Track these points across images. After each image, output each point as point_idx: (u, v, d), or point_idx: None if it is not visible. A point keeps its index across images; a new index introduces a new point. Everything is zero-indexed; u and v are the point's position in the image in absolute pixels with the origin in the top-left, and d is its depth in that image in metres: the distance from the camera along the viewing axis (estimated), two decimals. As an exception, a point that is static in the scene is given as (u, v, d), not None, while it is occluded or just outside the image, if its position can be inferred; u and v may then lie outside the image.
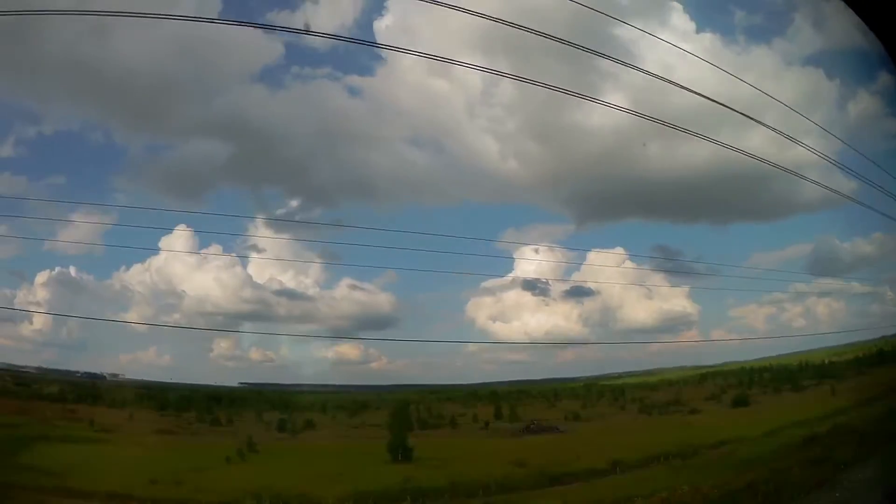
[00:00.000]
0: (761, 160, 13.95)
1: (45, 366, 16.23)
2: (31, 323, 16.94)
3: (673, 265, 19.63)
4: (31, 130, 18.12)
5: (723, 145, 13.79)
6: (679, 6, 18.01)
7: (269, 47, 18.72)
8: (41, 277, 17.01)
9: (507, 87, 18.14)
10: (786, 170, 14.56)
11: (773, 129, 13.49)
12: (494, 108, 19.38)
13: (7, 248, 16.98)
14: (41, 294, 17.32)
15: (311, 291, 17.74)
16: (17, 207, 16.84)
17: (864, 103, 15.61)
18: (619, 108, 14.21)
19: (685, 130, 13.33)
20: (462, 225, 19.43)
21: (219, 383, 16.61)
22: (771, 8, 19.72)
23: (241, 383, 16.23)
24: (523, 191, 20.73)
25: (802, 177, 15.35)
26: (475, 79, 18.35)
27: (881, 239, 17.07)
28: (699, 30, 18.54)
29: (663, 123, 13.21)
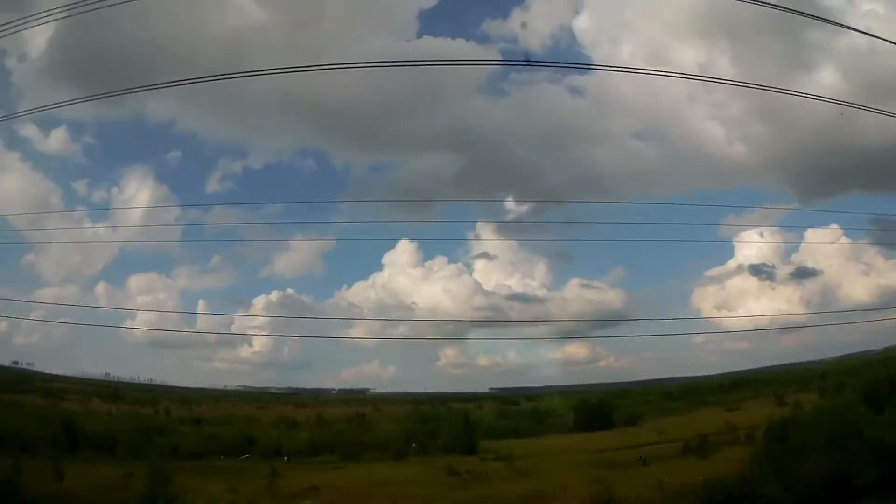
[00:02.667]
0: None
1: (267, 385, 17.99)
2: (252, 346, 18.71)
3: (890, 237, 17.97)
4: (245, 163, 19.97)
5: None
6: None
7: (486, 57, 19.34)
8: (259, 302, 18.78)
9: (727, 70, 17.55)
10: None
11: None
12: (716, 93, 18.78)
13: (228, 277, 18.96)
14: (260, 319, 19.07)
15: (542, 293, 18.10)
16: (240, 236, 18.74)
17: None
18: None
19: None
20: (689, 214, 19.08)
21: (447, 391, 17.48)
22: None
23: (492, 389, 16.97)
24: (750, 173, 20.11)
25: None
26: (694, 65, 17.83)
27: None
28: None
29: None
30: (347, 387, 18.37)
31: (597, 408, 16.56)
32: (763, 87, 12.43)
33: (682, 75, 15.18)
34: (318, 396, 19.93)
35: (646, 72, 12.50)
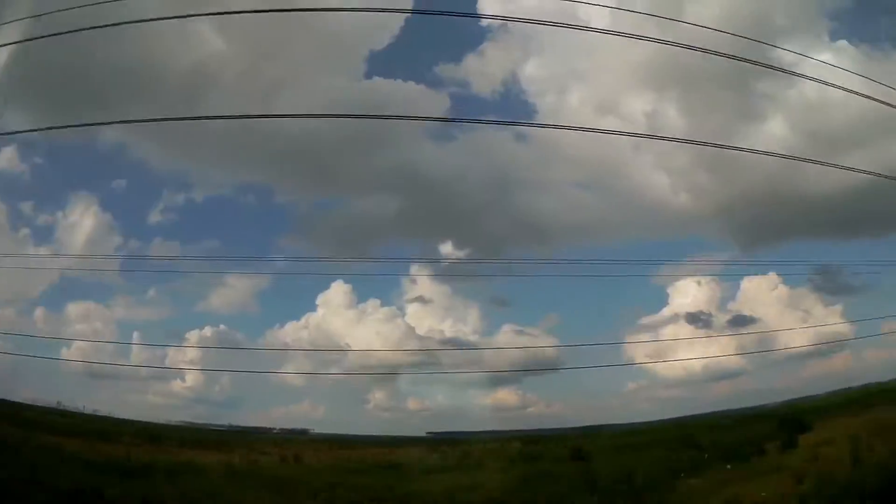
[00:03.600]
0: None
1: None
2: (184, 381, 18.08)
3: (830, 285, 18.51)
4: (188, 195, 19.65)
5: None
6: (826, 23, 17.68)
7: (436, 100, 19.50)
8: (193, 336, 18.28)
9: (675, 121, 18.09)
10: None
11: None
12: (662, 142, 19.30)
13: (164, 310, 18.50)
14: (192, 353, 18.49)
15: (475, 338, 18.08)
16: (173, 270, 18.48)
17: None
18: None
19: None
20: (627, 262, 19.31)
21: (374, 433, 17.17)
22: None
23: (430, 433, 16.63)
24: (693, 223, 20.45)
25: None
26: (641, 115, 18.35)
27: None
28: (850, 42, 18.01)
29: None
30: (283, 426, 17.91)
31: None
32: (706, 144, 12.94)
33: (626, 133, 15.65)
34: (260, 436, 19.43)
35: (594, 130, 12.82)
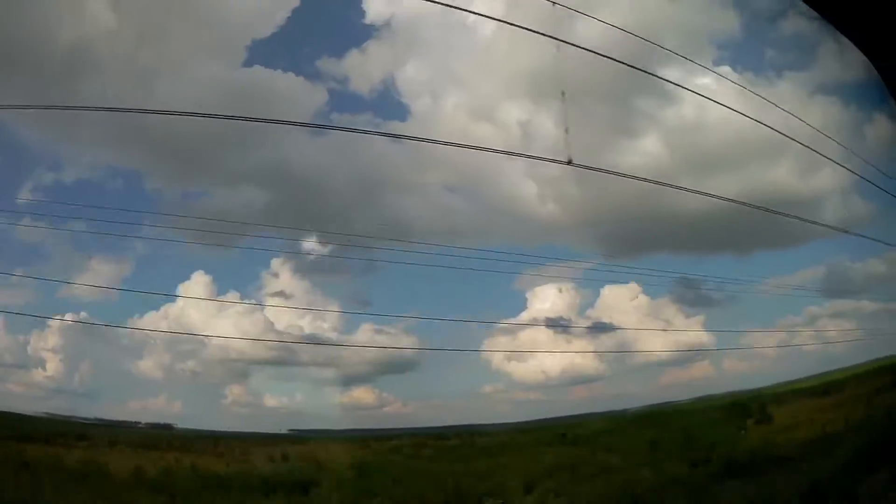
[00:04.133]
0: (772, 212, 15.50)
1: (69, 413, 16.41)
2: (45, 370, 17.22)
3: (691, 296, 19.52)
4: (58, 175, 18.71)
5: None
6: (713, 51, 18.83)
7: (315, 93, 19.30)
8: (54, 324, 17.41)
9: (551, 132, 18.52)
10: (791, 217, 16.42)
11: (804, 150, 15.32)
12: (535, 151, 19.72)
13: (22, 295, 17.52)
14: (53, 341, 17.63)
15: (335, 336, 17.95)
16: (36, 253, 17.66)
17: (874, 130, 16.40)
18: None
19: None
20: (489, 265, 19.71)
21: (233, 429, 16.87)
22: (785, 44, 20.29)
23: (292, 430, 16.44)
24: (559, 232, 20.96)
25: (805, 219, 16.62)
26: (516, 124, 18.77)
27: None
28: (729, 68, 19.28)
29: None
30: (143, 420, 17.19)
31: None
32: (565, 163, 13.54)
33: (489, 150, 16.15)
34: (128, 431, 18.62)
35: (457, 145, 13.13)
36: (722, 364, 19.33)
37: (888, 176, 15.53)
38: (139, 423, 18.34)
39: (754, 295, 20.53)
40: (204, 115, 11.70)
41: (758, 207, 15.71)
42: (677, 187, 15.52)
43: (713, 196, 15.47)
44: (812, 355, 19.63)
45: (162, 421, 17.67)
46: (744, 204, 16.01)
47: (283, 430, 16.57)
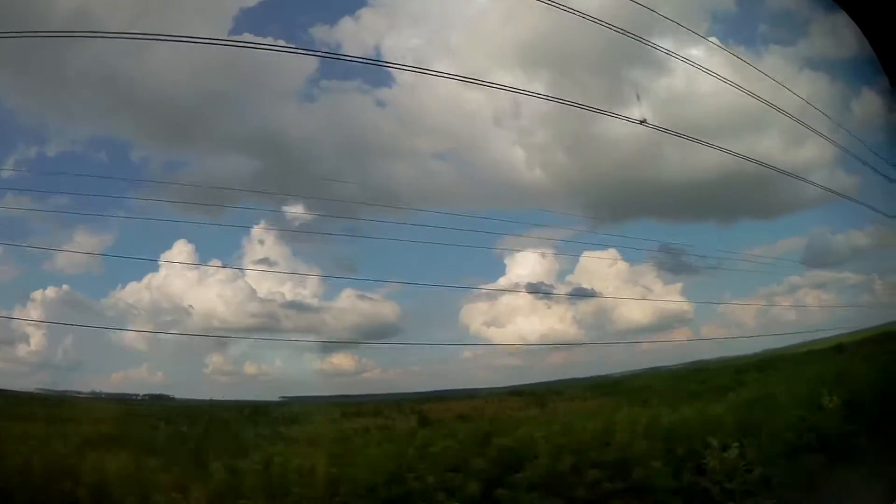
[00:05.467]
0: (764, 164, 16.08)
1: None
2: (29, 344, 17.15)
3: (673, 264, 19.75)
4: (44, 147, 18.42)
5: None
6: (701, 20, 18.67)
7: (301, 60, 18.86)
8: (36, 296, 17.30)
9: (540, 100, 18.37)
10: (785, 172, 16.70)
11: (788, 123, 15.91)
12: (525, 119, 19.60)
13: (7, 270, 17.39)
14: (35, 314, 17.54)
15: (317, 303, 18.05)
16: (21, 227, 17.49)
17: (862, 105, 16.64)
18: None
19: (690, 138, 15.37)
20: (472, 231, 19.74)
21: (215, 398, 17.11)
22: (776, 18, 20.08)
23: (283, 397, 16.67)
24: (545, 198, 20.99)
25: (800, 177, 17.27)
26: (507, 92, 18.52)
27: (877, 231, 17.53)
28: (719, 40, 19.14)
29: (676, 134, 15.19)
30: (125, 391, 17.32)
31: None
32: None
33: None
34: (125, 402, 18.76)
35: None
36: (700, 332, 19.76)
37: (876, 153, 15.79)
38: (137, 395, 18.42)
39: (736, 263, 20.77)
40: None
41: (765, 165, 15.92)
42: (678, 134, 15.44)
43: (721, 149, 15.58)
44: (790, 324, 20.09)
45: (156, 392, 17.89)
46: (756, 161, 15.96)
47: (275, 398, 16.95)
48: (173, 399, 17.25)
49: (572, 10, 13.81)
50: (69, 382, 16.57)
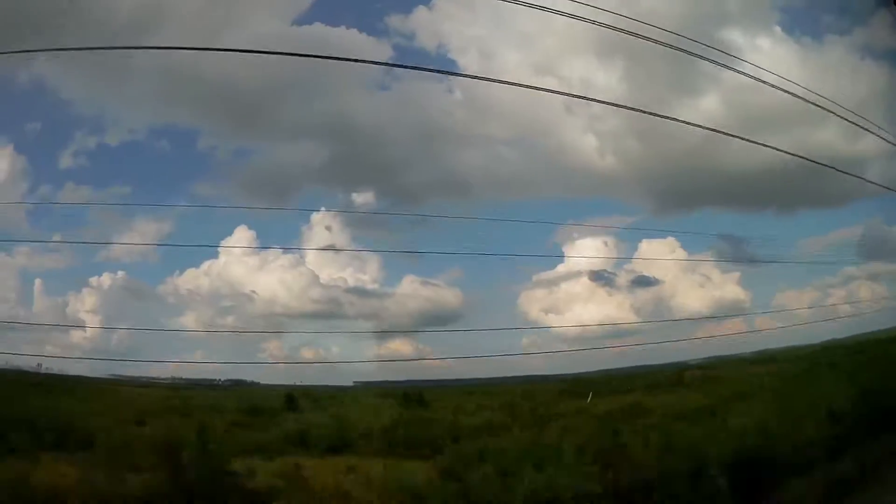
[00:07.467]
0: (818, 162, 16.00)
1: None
2: (85, 332, 17.63)
3: (733, 253, 19.72)
4: (101, 139, 19.11)
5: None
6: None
7: (377, 48, 19.77)
8: (94, 282, 17.96)
9: (613, 86, 18.64)
10: (837, 170, 16.52)
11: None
12: (594, 106, 19.71)
13: (67, 258, 18.14)
14: (91, 302, 17.60)
15: (378, 288, 18.72)
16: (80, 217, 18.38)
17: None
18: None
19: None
20: (538, 218, 20.05)
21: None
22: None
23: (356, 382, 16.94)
24: (614, 186, 21.25)
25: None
26: (580, 79, 18.83)
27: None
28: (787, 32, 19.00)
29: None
30: (187, 377, 17.63)
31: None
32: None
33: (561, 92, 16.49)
34: (211, 390, 19.31)
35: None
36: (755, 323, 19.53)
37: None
38: (217, 380, 18.87)
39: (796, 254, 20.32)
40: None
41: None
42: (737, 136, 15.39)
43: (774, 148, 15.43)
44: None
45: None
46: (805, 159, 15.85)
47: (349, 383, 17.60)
48: (251, 383, 17.98)
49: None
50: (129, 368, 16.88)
